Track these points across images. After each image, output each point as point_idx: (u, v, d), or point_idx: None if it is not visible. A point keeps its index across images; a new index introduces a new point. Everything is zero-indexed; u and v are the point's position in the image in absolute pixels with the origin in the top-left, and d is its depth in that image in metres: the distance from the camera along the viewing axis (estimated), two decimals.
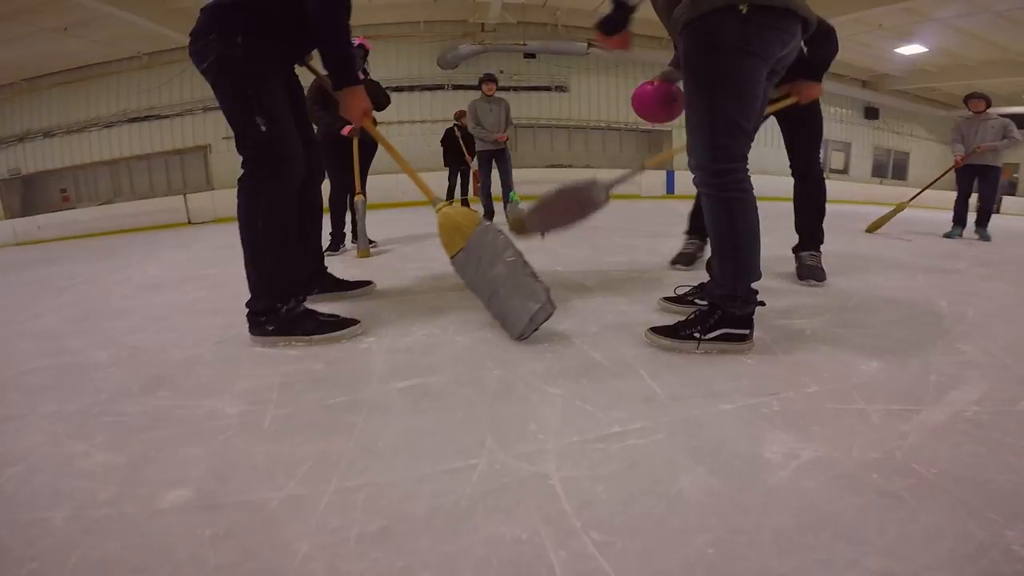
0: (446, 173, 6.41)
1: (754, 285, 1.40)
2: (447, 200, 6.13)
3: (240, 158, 1.53)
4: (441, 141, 6.43)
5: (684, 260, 2.58)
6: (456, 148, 6.16)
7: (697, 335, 1.37)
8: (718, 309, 1.39)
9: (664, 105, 1.92)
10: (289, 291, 1.55)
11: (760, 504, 0.77)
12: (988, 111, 4.84)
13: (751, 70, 1.30)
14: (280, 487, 0.84)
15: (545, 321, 1.48)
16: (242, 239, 1.53)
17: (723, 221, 1.37)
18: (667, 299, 1.80)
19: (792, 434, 0.96)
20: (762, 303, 1.43)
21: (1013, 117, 5.05)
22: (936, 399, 1.11)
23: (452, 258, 1.62)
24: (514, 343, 1.47)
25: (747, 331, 1.39)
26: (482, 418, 1.04)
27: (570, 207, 2.08)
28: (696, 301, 1.74)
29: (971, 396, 1.12)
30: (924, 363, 1.31)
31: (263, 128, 1.46)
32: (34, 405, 1.20)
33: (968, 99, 4.93)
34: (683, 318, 1.45)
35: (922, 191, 5.04)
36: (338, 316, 1.60)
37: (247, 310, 1.55)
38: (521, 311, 1.46)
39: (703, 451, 0.91)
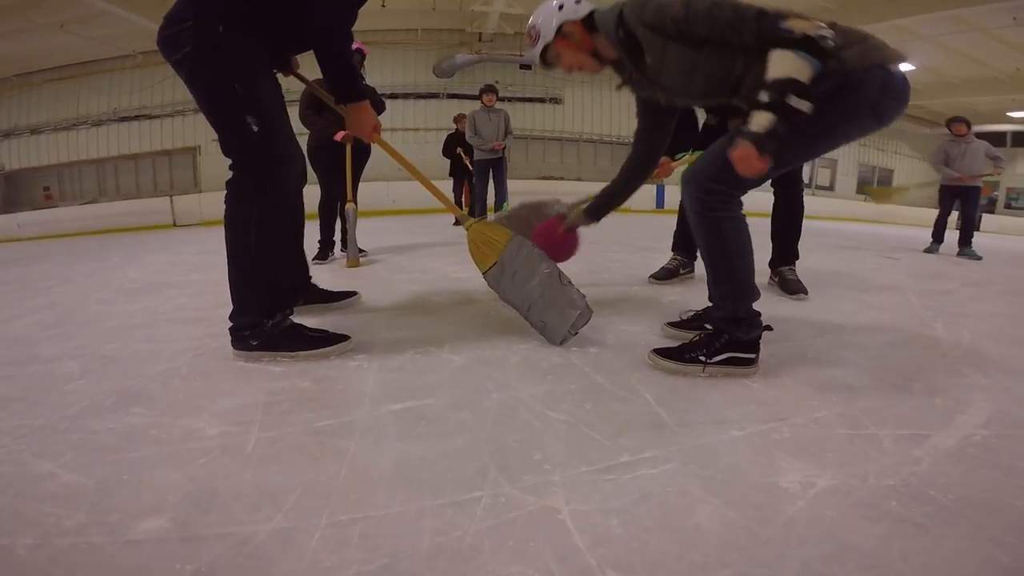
0: (444, 181, 6.36)
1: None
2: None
3: (227, 159, 1.40)
4: (443, 152, 6.35)
5: (662, 275, 2.58)
6: (457, 156, 6.09)
7: (703, 359, 1.33)
8: (724, 333, 1.35)
9: (560, 248, 1.86)
10: (276, 305, 1.47)
11: (781, 536, 0.75)
12: (970, 134, 5.08)
13: (854, 135, 1.29)
14: (267, 519, 0.77)
15: (584, 326, 1.56)
16: (229, 248, 1.42)
17: (715, 242, 1.34)
18: (672, 324, 1.74)
19: (806, 461, 0.94)
20: (769, 327, 1.40)
21: (993, 134, 5.27)
22: (944, 423, 1.10)
23: (485, 273, 1.64)
24: (511, 364, 1.42)
25: (753, 355, 1.35)
26: (483, 446, 0.98)
27: (530, 222, 2.09)
28: (706, 327, 1.71)
29: (978, 419, 1.12)
30: (928, 386, 1.31)
31: (255, 128, 1.33)
32: None
33: (951, 123, 5.15)
34: (688, 339, 1.41)
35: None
36: (327, 331, 1.52)
37: (230, 324, 1.46)
38: (561, 319, 1.53)
39: (717, 481, 0.88)
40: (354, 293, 2.11)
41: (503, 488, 0.85)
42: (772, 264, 2.46)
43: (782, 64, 1.13)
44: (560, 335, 1.54)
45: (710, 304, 1.57)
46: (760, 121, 1.13)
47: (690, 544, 0.73)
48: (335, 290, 2.07)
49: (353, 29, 1.45)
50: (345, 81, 1.43)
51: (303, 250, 1.95)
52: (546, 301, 1.54)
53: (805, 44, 1.12)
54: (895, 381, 1.34)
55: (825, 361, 1.48)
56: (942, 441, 1.02)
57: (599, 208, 1.83)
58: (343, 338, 1.50)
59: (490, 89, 5.11)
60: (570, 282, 1.56)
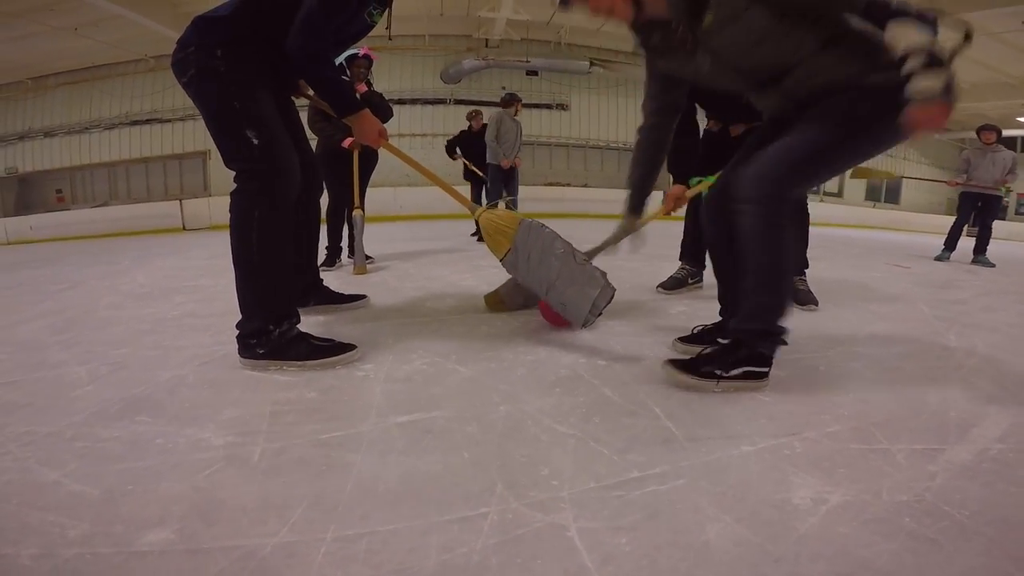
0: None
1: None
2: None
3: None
4: (461, 150, 5.67)
5: (670, 284, 2.56)
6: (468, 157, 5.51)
7: (718, 372, 1.30)
8: (743, 345, 1.32)
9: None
10: (283, 312, 1.48)
11: (792, 553, 0.74)
12: (997, 143, 5.08)
13: (886, 147, 1.30)
14: (272, 533, 0.77)
15: (607, 305, 1.53)
16: (234, 256, 1.45)
17: (775, 253, 1.26)
18: (682, 339, 1.66)
19: (818, 477, 0.93)
20: (784, 342, 1.37)
21: (1007, 140, 5.30)
22: (959, 437, 1.09)
23: (502, 260, 1.64)
24: (518, 375, 1.41)
25: (767, 369, 1.33)
26: (490, 460, 0.97)
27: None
28: (719, 340, 1.63)
29: (994, 433, 1.11)
30: (942, 399, 1.29)
31: (255, 141, 1.41)
32: (3, 424, 1.13)
33: (981, 130, 5.14)
34: (702, 350, 1.39)
35: None
36: (334, 341, 1.52)
37: (237, 331, 1.47)
38: (581, 299, 1.50)
39: (728, 497, 0.87)
40: (363, 296, 2.16)
41: (510, 504, 0.84)
42: None
43: (913, 33, 1.10)
44: (582, 317, 1.50)
45: (721, 316, 1.53)
46: (929, 82, 1.07)
47: (700, 562, 0.72)
48: (344, 293, 2.11)
49: None
50: (335, 98, 1.54)
51: (315, 253, 2.01)
52: (564, 281, 1.51)
53: (926, 18, 1.11)
54: (908, 394, 1.32)
55: (837, 374, 1.46)
56: (957, 456, 1.01)
57: (636, 207, 1.69)
58: (350, 347, 1.50)
59: (519, 99, 5.14)
60: (587, 260, 1.52)
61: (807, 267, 2.43)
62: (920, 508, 0.83)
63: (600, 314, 1.52)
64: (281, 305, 1.48)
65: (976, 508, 0.83)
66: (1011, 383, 1.42)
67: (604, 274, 1.51)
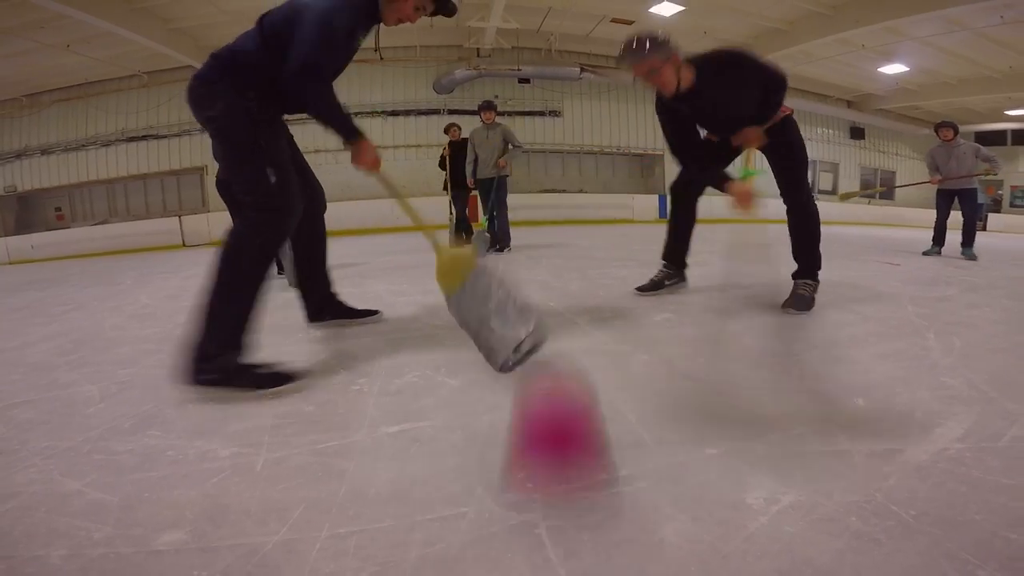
0: (444, 197, 5.83)
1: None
2: (456, 231, 5.78)
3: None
4: (440, 165, 5.80)
5: (648, 287, 2.60)
6: (451, 170, 5.50)
7: None
8: None
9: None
10: (241, 341, 1.48)
11: (740, 550, 0.79)
12: (957, 138, 5.14)
13: None
14: (273, 532, 0.86)
15: (533, 352, 1.40)
16: (219, 272, 1.46)
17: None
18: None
19: (775, 478, 0.97)
20: None
21: (993, 133, 5.47)
22: (920, 437, 1.12)
23: (448, 300, 1.57)
24: (504, 386, 1.39)
25: None
26: (472, 465, 1.05)
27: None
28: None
29: (955, 433, 1.14)
30: (910, 400, 1.32)
31: (272, 179, 1.50)
32: (25, 440, 1.22)
33: (938, 128, 5.23)
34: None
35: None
36: (274, 369, 1.49)
37: (191, 352, 1.42)
38: (505, 342, 1.39)
39: (687, 498, 0.92)
40: (376, 312, 2.20)
41: (487, 505, 0.91)
42: (793, 275, 2.38)
43: None
44: (501, 358, 1.39)
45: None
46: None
47: (653, 558, 0.78)
48: (357, 308, 2.17)
49: None
50: (340, 126, 1.59)
51: (325, 267, 2.07)
52: (495, 324, 1.40)
53: None
54: (876, 396, 1.34)
55: (811, 376, 1.50)
56: (914, 456, 1.03)
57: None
58: (287, 379, 1.47)
59: (488, 106, 4.81)
60: (527, 307, 1.44)
61: (819, 268, 2.35)
62: (868, 508, 0.86)
63: (522, 361, 1.38)
64: (244, 333, 1.49)
65: (923, 508, 0.86)
66: (982, 382, 1.43)
67: (539, 319, 1.40)
